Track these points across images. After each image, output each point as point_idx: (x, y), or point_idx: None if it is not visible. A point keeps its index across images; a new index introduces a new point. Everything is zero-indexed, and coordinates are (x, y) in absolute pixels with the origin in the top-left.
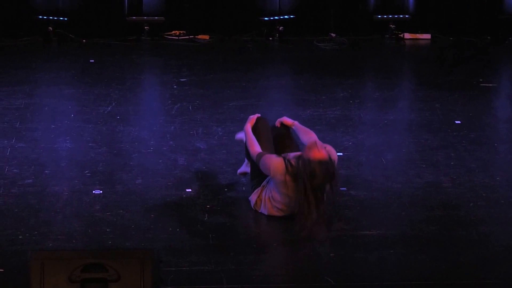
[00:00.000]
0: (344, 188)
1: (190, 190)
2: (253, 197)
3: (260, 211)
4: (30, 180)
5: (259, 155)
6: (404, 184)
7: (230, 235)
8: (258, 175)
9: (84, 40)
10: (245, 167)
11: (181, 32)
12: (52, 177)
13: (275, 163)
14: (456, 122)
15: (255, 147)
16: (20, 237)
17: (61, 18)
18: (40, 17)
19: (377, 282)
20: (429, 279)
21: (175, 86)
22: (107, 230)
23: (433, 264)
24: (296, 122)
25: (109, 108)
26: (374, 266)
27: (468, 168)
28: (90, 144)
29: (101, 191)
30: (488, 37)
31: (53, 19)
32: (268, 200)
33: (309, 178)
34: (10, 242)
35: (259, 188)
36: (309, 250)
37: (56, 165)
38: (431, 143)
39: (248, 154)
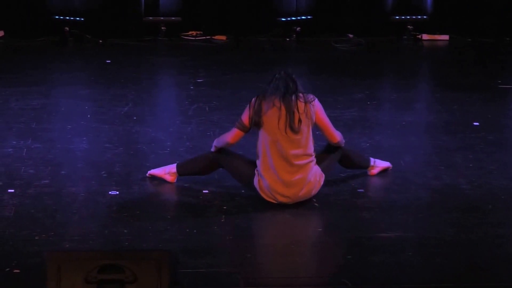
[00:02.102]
0: (362, 190)
1: (207, 191)
2: (256, 183)
3: (263, 194)
4: (47, 181)
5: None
6: (422, 186)
7: (247, 237)
8: (249, 166)
9: (100, 41)
10: (163, 174)
11: (198, 32)
12: (69, 177)
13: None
14: (475, 123)
15: (228, 134)
16: (36, 238)
17: (78, 19)
18: (57, 17)
19: (395, 285)
20: (447, 281)
21: (191, 87)
22: (124, 231)
23: (451, 266)
24: None
25: (125, 108)
26: (391, 268)
27: (487, 170)
28: (106, 145)
29: (117, 192)
30: (507, 38)
31: (69, 19)
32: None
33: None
34: (26, 243)
35: (256, 171)
36: (326, 252)
37: (73, 165)
38: (449, 145)
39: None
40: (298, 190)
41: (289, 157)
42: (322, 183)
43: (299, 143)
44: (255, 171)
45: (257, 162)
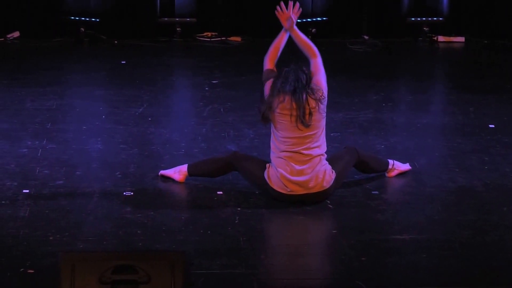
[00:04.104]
0: (376, 192)
1: (221, 192)
2: (265, 174)
3: (273, 183)
4: (61, 181)
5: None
6: (437, 188)
7: (261, 238)
8: (262, 169)
9: (115, 41)
10: (173, 173)
11: (213, 33)
12: (83, 178)
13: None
14: (490, 126)
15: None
16: (50, 238)
17: (93, 19)
18: (72, 18)
19: (409, 287)
20: (462, 283)
21: (206, 88)
22: (138, 231)
23: (466, 268)
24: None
25: (140, 109)
26: (406, 270)
27: (502, 172)
28: (121, 146)
29: (132, 193)
30: None
31: (84, 20)
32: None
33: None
34: (41, 243)
35: (267, 165)
36: (340, 253)
37: (87, 166)
38: (464, 147)
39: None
40: (308, 179)
41: (300, 150)
42: (333, 178)
43: (311, 139)
44: (266, 165)
45: (270, 153)
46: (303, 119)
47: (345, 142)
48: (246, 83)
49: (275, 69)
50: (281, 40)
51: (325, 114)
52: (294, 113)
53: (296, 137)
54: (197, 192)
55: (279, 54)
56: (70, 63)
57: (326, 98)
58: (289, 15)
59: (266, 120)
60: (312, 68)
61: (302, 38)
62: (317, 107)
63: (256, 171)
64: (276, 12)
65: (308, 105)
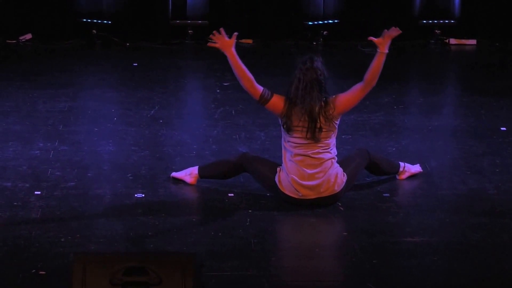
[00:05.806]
0: (387, 194)
1: (232, 194)
2: (276, 178)
3: (284, 187)
4: (73, 183)
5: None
6: (448, 190)
7: (272, 240)
8: (273, 171)
9: (127, 44)
10: (184, 175)
11: None
12: (95, 180)
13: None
14: (502, 128)
15: (256, 86)
16: (62, 239)
17: (105, 22)
18: (84, 20)
19: None
20: (473, 286)
21: (218, 90)
22: (149, 233)
23: (477, 271)
24: (383, 53)
25: (152, 111)
26: (417, 273)
27: None
28: (132, 148)
29: (143, 195)
30: None
31: (97, 22)
32: (283, 170)
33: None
34: (52, 244)
35: (278, 169)
36: (351, 256)
37: (99, 168)
38: (476, 150)
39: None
40: (320, 183)
41: (311, 154)
42: (345, 181)
43: (321, 145)
44: (277, 169)
45: (282, 157)
46: (313, 134)
47: (357, 144)
48: None
49: (261, 90)
50: (240, 65)
51: (337, 126)
52: (306, 124)
53: (306, 143)
54: (208, 194)
55: (250, 74)
56: (82, 65)
57: (339, 118)
58: (226, 39)
59: (289, 129)
60: (355, 89)
61: (380, 65)
62: (328, 123)
63: (267, 173)
64: (215, 42)
65: (319, 120)
